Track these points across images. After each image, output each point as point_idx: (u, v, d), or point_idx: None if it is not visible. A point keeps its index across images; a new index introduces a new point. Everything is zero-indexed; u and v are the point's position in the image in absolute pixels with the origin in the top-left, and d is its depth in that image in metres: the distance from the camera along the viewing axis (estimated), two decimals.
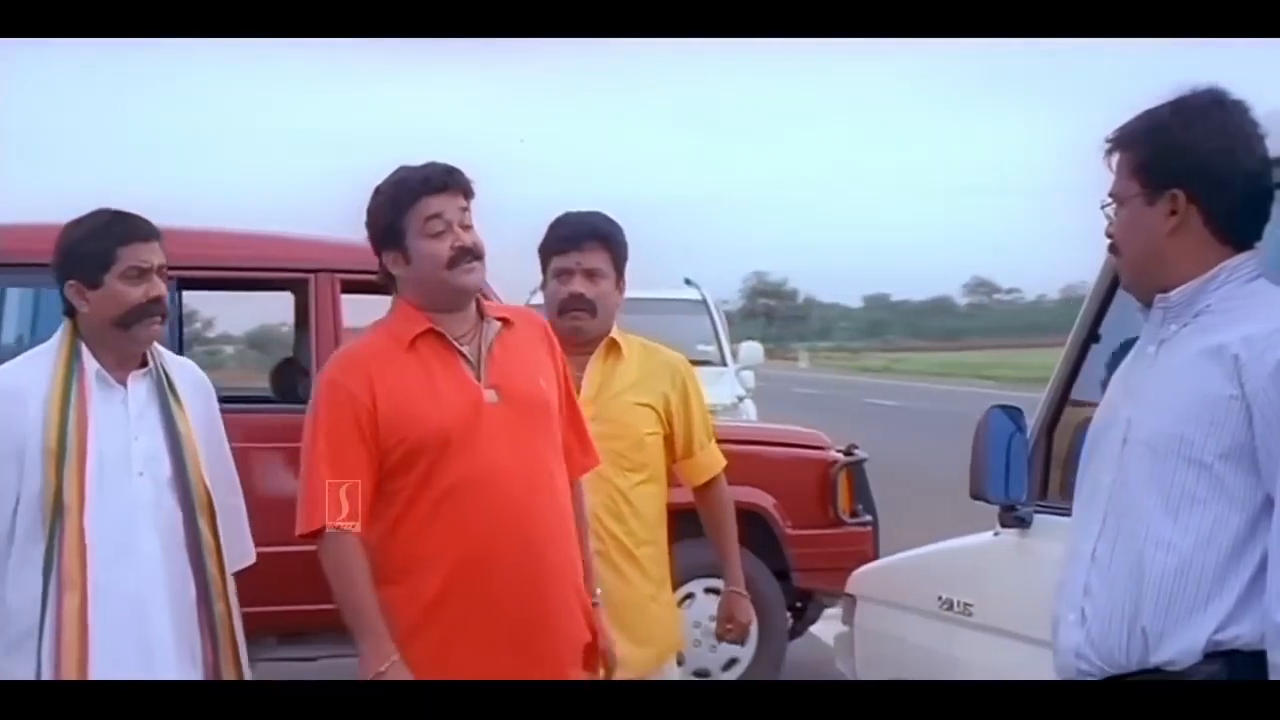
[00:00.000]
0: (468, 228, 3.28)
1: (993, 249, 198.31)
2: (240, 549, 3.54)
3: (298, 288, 7.09)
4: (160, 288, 3.40)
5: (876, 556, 7.02)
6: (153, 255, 3.40)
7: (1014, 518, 3.57)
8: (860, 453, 7.54)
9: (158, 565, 3.33)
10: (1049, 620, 3.30)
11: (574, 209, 4.02)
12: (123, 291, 3.36)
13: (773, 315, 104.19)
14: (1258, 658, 2.44)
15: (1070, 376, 3.53)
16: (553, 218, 4.00)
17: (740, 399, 12.85)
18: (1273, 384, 2.45)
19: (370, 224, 3.32)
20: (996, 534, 3.70)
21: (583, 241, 3.89)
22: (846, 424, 11.92)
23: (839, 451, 7.49)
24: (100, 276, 3.36)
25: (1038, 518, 3.54)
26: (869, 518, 7.40)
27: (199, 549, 3.38)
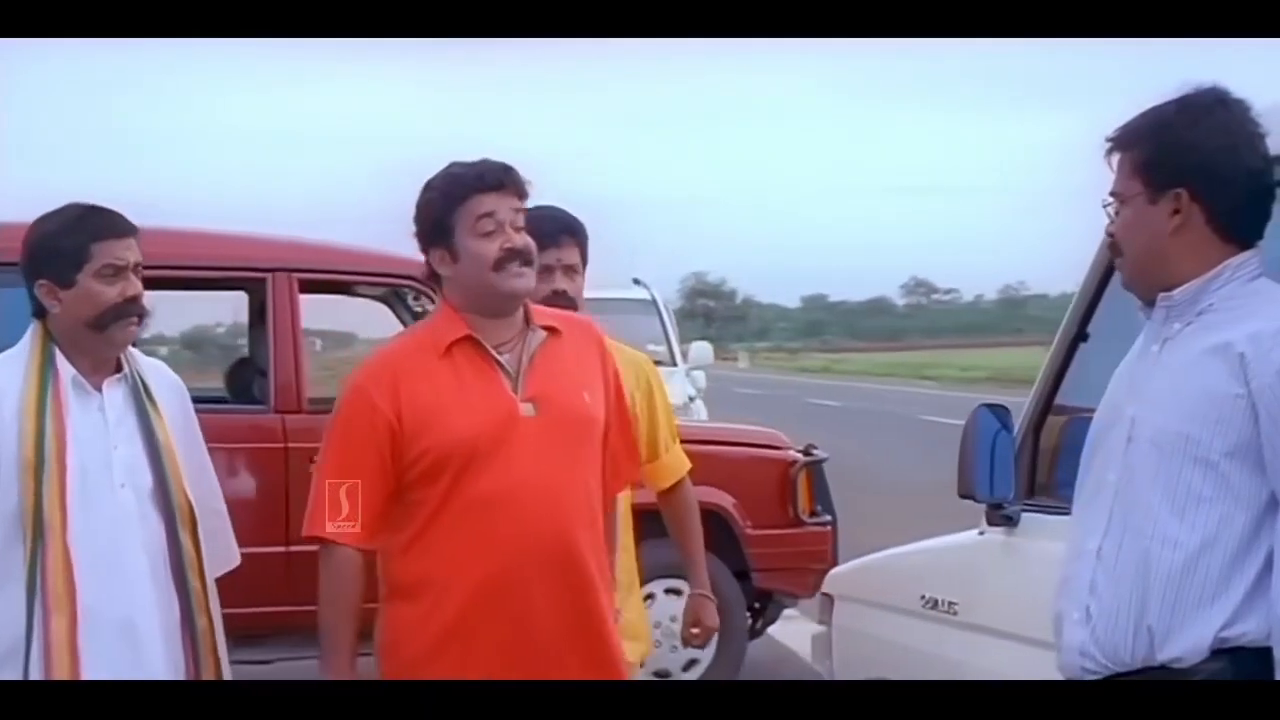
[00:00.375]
0: (519, 229, 3.14)
1: (931, 249, 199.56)
2: (226, 554, 3.45)
3: (253, 287, 7.02)
4: (137, 286, 3.25)
5: (836, 557, 7.04)
6: (128, 252, 3.24)
7: (1001, 516, 3.57)
8: (820, 453, 7.55)
9: (146, 584, 3.20)
10: (1038, 619, 3.30)
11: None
12: (98, 291, 3.20)
13: (711, 316, 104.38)
14: (1263, 654, 2.46)
15: (1058, 375, 3.53)
16: None
17: (691, 399, 12.87)
18: (1279, 381, 2.45)
19: (418, 219, 3.18)
20: (982, 533, 3.70)
21: (560, 237, 3.78)
22: (791, 425, 11.90)
23: (798, 451, 7.50)
24: (73, 275, 3.20)
25: (1025, 516, 3.54)
26: (828, 518, 7.41)
27: (181, 564, 3.25)
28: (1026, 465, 3.56)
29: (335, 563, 3.08)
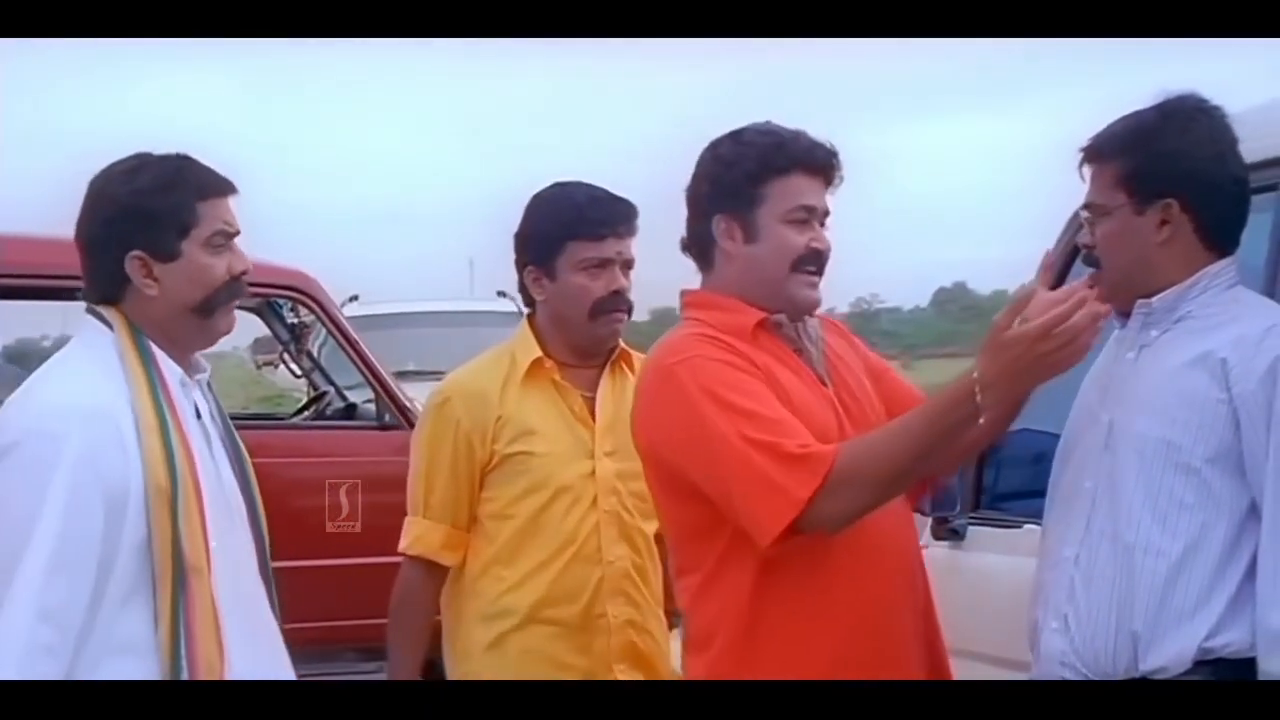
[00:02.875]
0: (825, 230, 2.66)
1: None
2: None
3: None
4: (244, 259, 2.57)
5: None
6: (234, 216, 2.57)
7: (948, 530, 3.53)
8: None
9: (277, 639, 2.61)
10: (987, 633, 3.27)
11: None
12: (206, 265, 2.51)
13: None
14: (1246, 665, 2.44)
15: None
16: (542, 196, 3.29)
17: None
18: (1261, 388, 2.44)
19: (715, 174, 2.65)
20: (926, 547, 3.65)
21: (620, 225, 3.22)
22: None
23: None
24: (176, 244, 2.49)
25: (972, 530, 3.51)
26: None
27: (273, 607, 2.64)
28: (973, 478, 3.52)
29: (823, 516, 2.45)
